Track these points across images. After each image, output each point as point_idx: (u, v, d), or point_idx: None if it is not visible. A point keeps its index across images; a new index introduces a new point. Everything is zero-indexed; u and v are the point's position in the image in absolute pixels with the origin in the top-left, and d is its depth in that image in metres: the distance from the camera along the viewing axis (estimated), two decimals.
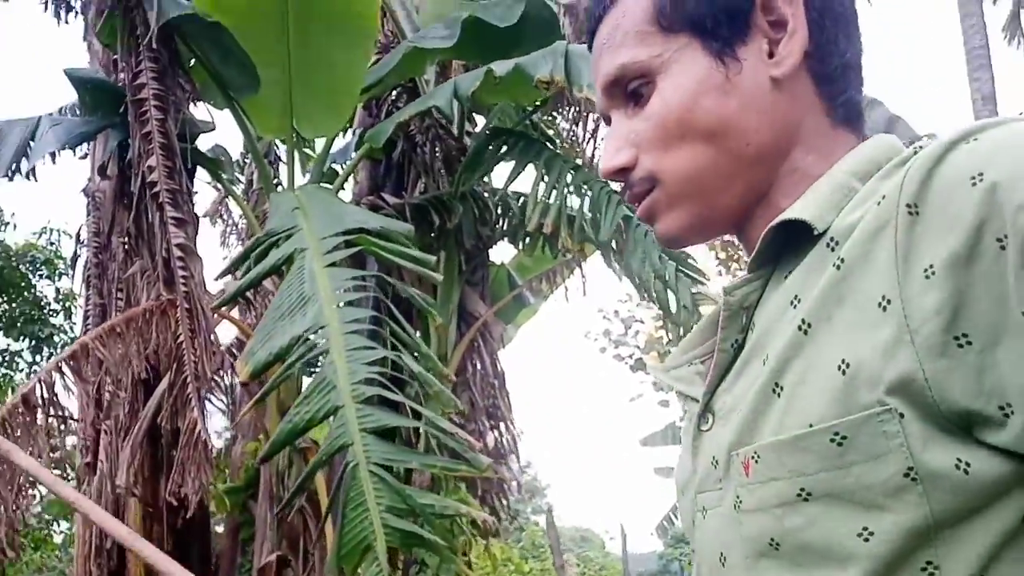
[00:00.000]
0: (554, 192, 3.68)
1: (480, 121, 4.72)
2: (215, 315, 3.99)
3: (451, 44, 3.59)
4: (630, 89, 0.63)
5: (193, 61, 3.85)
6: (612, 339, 10.85)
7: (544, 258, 5.03)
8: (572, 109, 4.01)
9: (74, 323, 8.20)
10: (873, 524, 0.49)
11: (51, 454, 3.51)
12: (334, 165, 5.09)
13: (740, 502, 0.56)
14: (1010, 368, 0.46)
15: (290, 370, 2.58)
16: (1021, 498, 0.47)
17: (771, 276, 0.59)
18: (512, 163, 3.93)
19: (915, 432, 0.48)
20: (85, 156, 5.05)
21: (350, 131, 4.81)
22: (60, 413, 3.55)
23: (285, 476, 3.77)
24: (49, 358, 8.07)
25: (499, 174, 4.58)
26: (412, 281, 3.46)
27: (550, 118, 4.59)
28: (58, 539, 7.93)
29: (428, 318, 3.48)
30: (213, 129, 4.09)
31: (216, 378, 4.39)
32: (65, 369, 3.56)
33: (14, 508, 3.11)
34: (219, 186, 5.22)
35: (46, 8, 6.12)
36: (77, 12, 6.16)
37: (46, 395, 3.43)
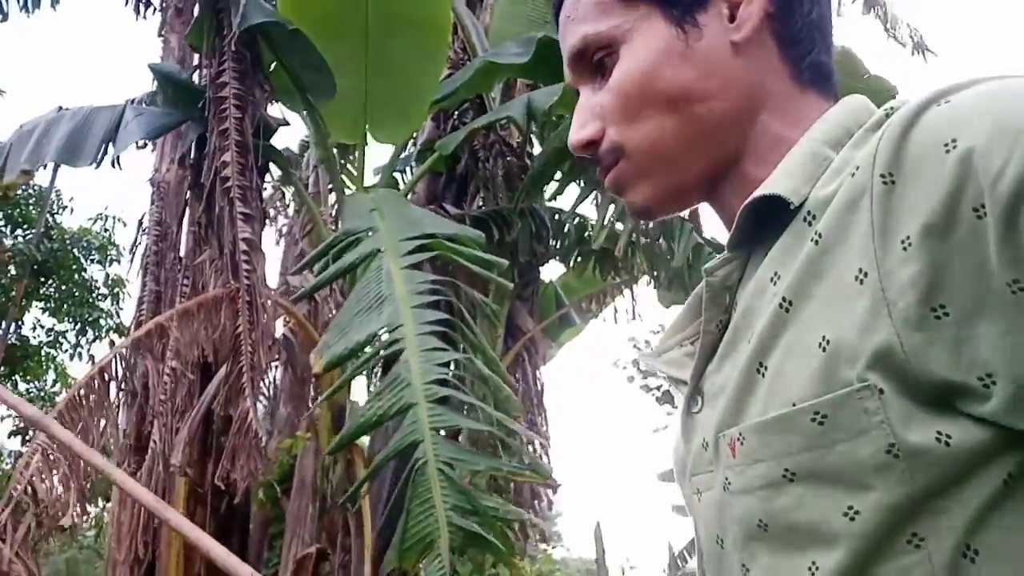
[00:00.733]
0: (624, 216, 3.76)
1: (538, 146, 4.82)
2: (277, 308, 4.12)
3: (524, 62, 3.70)
4: (594, 61, 0.63)
5: (274, 64, 4.00)
6: (641, 369, 10.84)
7: (590, 280, 5.10)
8: None
9: (121, 308, 8.41)
10: (858, 502, 0.48)
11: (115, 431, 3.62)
12: (393, 173, 5.22)
13: (729, 484, 0.55)
14: (992, 339, 0.45)
15: (365, 365, 2.67)
16: (1002, 465, 0.47)
17: (751, 254, 0.59)
18: (577, 184, 4.01)
19: (895, 408, 0.47)
20: (144, 146, 5.25)
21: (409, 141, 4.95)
22: (132, 387, 3.67)
23: (330, 471, 3.85)
24: (94, 341, 8.28)
25: (552, 193, 4.67)
26: (477, 289, 3.54)
27: None
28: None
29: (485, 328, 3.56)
30: (287, 124, 4.24)
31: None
32: (138, 347, 3.68)
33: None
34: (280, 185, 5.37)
35: (127, 2, 6.39)
36: (156, 9, 6.42)
37: (120, 371, 3.56)
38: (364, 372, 3.45)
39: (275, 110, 4.55)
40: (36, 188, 8.55)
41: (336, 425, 3.84)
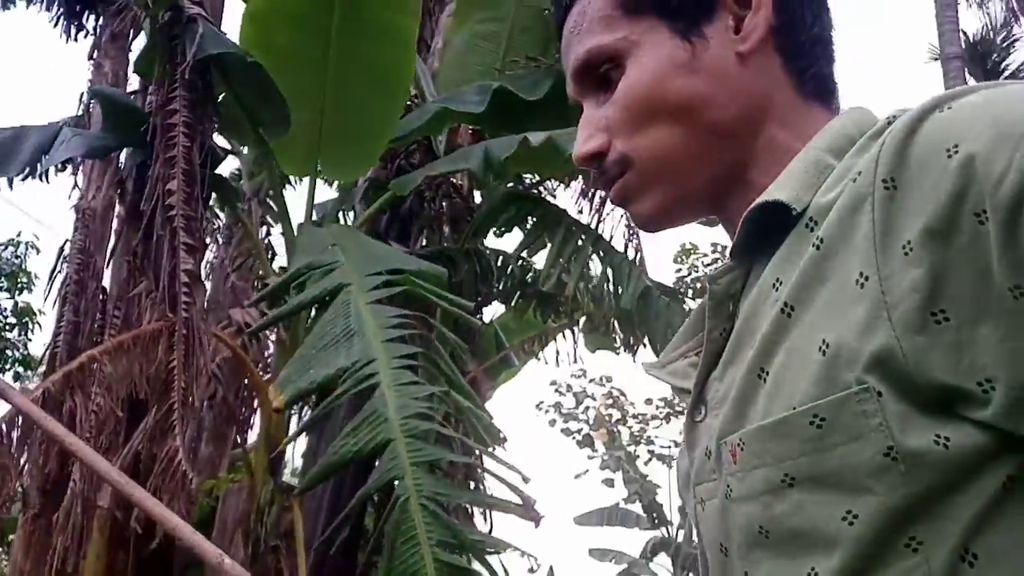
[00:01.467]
0: (574, 259, 3.85)
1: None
2: (214, 339, 3.99)
3: (480, 111, 3.79)
4: (599, 74, 0.63)
5: (224, 95, 3.96)
6: (563, 412, 10.94)
7: (528, 322, 5.17)
8: (584, 181, 4.23)
9: (30, 339, 7.92)
10: (856, 506, 0.48)
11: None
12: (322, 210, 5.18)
13: (730, 491, 0.55)
14: (993, 344, 0.45)
15: (338, 400, 2.62)
16: (1001, 468, 0.47)
17: (754, 262, 0.59)
18: (525, 227, 4.10)
19: (893, 411, 0.47)
20: (63, 169, 5.05)
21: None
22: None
23: (266, 512, 3.72)
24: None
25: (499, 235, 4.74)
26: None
27: (561, 186, 4.81)
28: None
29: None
30: (235, 153, 4.18)
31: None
32: (68, 381, 3.50)
33: None
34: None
35: (56, 24, 6.19)
36: (88, 32, 6.24)
37: (45, 407, 3.37)
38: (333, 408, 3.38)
39: (219, 140, 4.48)
40: None
41: (273, 465, 3.73)
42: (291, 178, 4.65)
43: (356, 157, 3.89)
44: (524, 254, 4.54)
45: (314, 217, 4.40)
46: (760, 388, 0.54)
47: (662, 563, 11.19)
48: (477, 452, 2.57)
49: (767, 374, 0.53)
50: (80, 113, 6.16)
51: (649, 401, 11.11)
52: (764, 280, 0.56)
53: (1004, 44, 10.39)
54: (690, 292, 11.47)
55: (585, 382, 11.12)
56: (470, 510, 4.07)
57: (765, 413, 0.53)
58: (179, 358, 3.71)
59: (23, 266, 8.01)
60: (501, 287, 4.63)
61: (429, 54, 5.06)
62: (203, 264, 6.27)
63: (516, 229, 4.56)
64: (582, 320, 4.56)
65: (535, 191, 4.53)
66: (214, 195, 4.23)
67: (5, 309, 7.95)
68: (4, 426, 3.15)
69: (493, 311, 4.90)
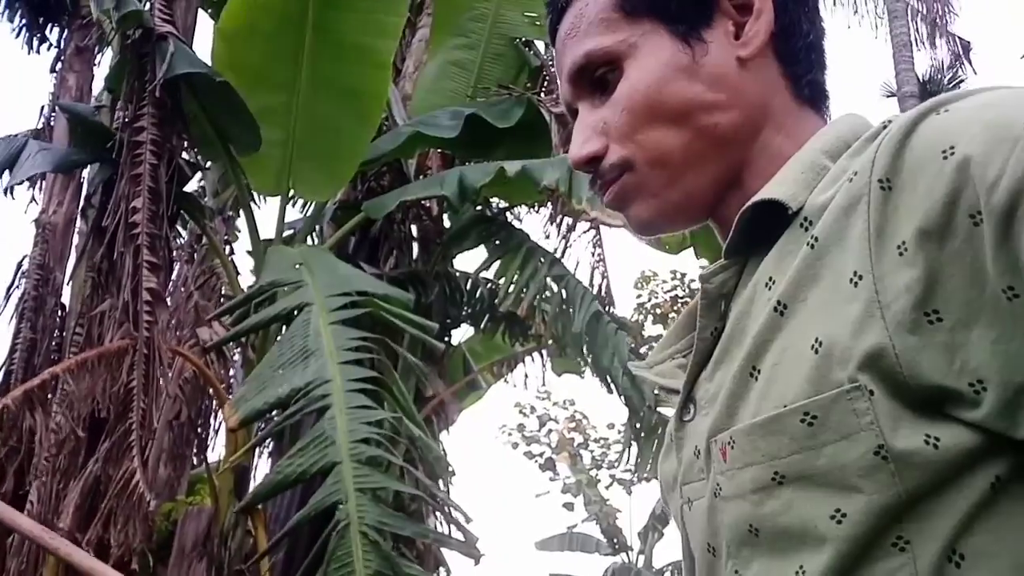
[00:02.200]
0: (531, 281, 3.90)
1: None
2: (179, 359, 3.94)
3: (453, 136, 3.84)
4: (596, 77, 0.63)
5: (194, 112, 3.94)
6: (525, 435, 10.93)
7: (495, 346, 5.19)
8: (553, 207, 4.29)
9: None
10: (845, 505, 0.48)
11: None
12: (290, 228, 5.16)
13: (720, 490, 0.55)
14: (985, 346, 0.45)
15: (289, 420, 2.61)
16: (990, 469, 0.47)
17: (748, 261, 0.59)
18: (487, 248, 4.15)
19: (885, 410, 0.47)
20: (21, 182, 4.96)
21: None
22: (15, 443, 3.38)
23: (231, 536, 3.66)
24: None
25: (467, 257, 4.78)
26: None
27: (532, 211, 4.86)
28: None
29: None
30: (205, 169, 4.16)
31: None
32: (28, 399, 3.41)
33: None
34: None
35: (18, 35, 6.09)
36: (51, 45, 6.16)
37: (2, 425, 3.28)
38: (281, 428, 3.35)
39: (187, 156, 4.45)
40: None
41: (239, 488, 3.67)
42: (256, 197, 4.64)
43: (328, 177, 3.90)
44: (492, 277, 4.57)
45: (284, 236, 4.38)
46: (752, 386, 0.53)
47: None
48: (426, 484, 2.56)
49: (759, 372, 0.53)
50: (40, 126, 6.07)
51: (611, 425, 11.18)
52: (757, 279, 0.56)
53: (951, 85, 10.86)
54: (650, 318, 11.62)
55: (549, 404, 11.15)
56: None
57: (756, 411, 0.52)
58: (139, 377, 3.65)
59: None
60: (470, 310, 4.65)
61: (400, 78, 5.10)
62: (168, 282, 6.20)
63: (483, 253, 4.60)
64: (549, 343, 4.60)
65: (503, 215, 4.57)
66: (181, 212, 4.19)
67: None
68: None
69: (461, 334, 4.90)
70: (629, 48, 0.61)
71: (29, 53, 6.05)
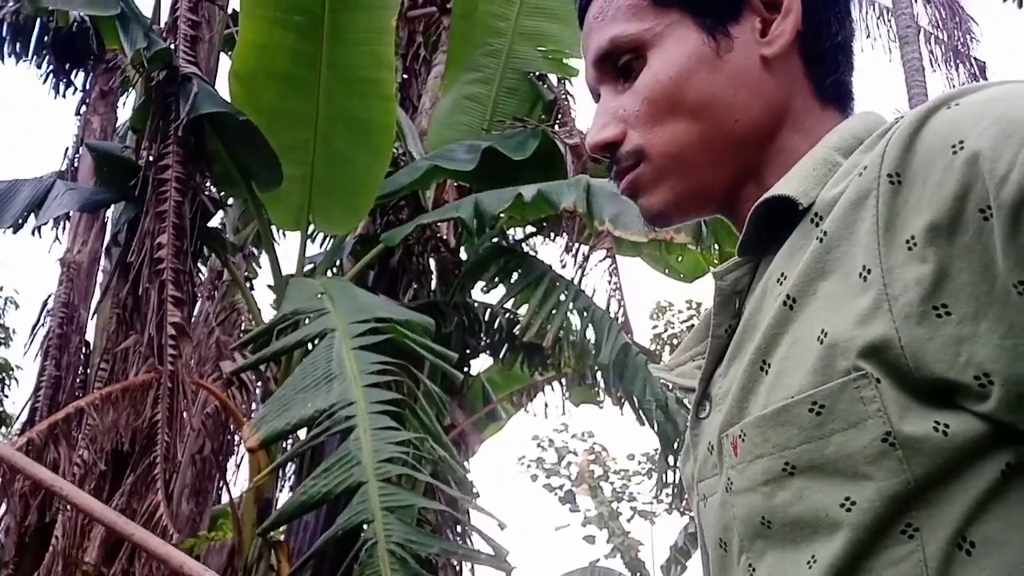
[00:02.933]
0: (555, 312, 3.92)
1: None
2: (203, 393, 3.98)
3: (470, 168, 3.90)
4: (620, 63, 0.63)
5: (217, 149, 4.04)
6: (544, 467, 10.86)
7: (514, 376, 5.20)
8: (568, 237, 4.32)
9: (6, 395, 7.79)
10: (855, 493, 0.48)
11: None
12: (310, 263, 5.23)
13: (731, 484, 0.55)
14: (994, 340, 0.45)
15: (315, 441, 2.62)
16: (1000, 456, 0.46)
17: (762, 258, 0.58)
18: (511, 279, 4.17)
19: (892, 398, 0.47)
20: (46, 223, 5.07)
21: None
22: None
23: (254, 570, 3.66)
24: None
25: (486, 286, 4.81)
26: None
27: (548, 240, 4.89)
28: None
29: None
30: (228, 206, 4.24)
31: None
32: (53, 433, 3.46)
33: None
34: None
35: (45, 80, 6.28)
36: (76, 89, 6.34)
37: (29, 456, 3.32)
38: (302, 452, 3.36)
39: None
40: None
41: (262, 520, 3.68)
42: (277, 232, 4.72)
43: (347, 211, 3.97)
44: (510, 306, 4.59)
45: (304, 270, 4.44)
46: (762, 380, 0.53)
47: None
48: (454, 500, 2.56)
49: (769, 366, 0.53)
50: (64, 168, 6.23)
51: (631, 456, 11.07)
52: (769, 275, 0.56)
53: None
54: (667, 349, 11.57)
55: (567, 437, 11.09)
56: (458, 565, 4.03)
57: (766, 403, 0.52)
58: (163, 411, 3.70)
59: (1, 321, 7.93)
60: (489, 340, 4.67)
61: (417, 114, 5.19)
62: (191, 317, 6.30)
63: (501, 284, 4.63)
64: (568, 372, 4.60)
65: (520, 246, 4.62)
66: (203, 248, 4.27)
67: None
68: None
69: (480, 364, 4.92)
70: (655, 37, 0.61)
71: (56, 97, 6.25)
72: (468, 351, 4.48)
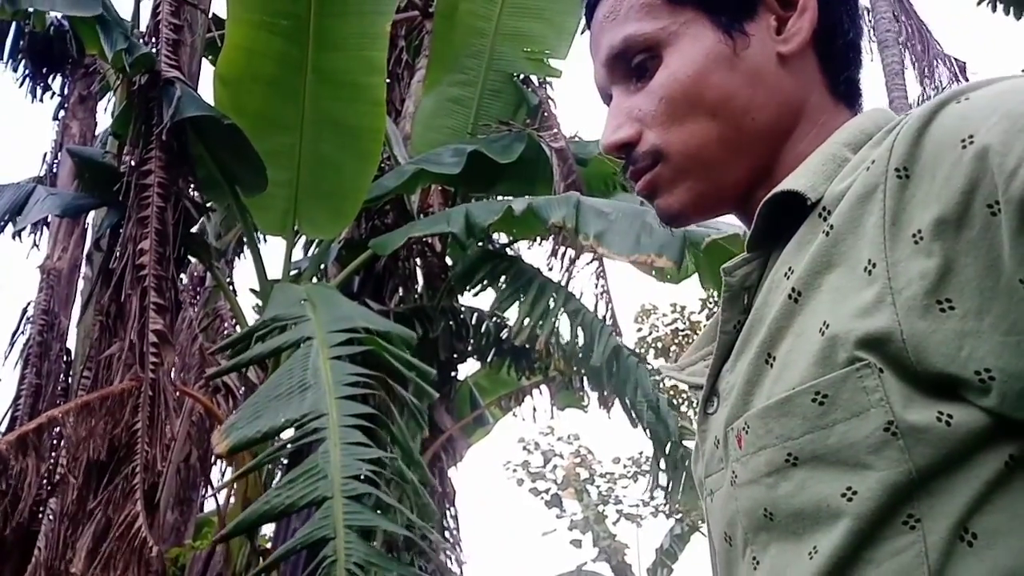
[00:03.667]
0: (545, 316, 3.91)
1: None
2: (188, 401, 3.93)
3: (456, 172, 3.89)
4: (634, 63, 0.62)
5: (201, 154, 3.99)
6: (530, 471, 10.85)
7: (501, 380, 5.18)
8: (555, 241, 4.32)
9: None
10: (856, 483, 0.48)
11: None
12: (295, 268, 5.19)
13: (735, 477, 0.54)
14: (997, 336, 0.45)
15: (282, 451, 2.58)
16: (1004, 447, 0.46)
17: (770, 254, 0.58)
18: (499, 284, 4.17)
19: (894, 388, 0.47)
20: (22, 230, 5.00)
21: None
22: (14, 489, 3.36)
23: None
24: None
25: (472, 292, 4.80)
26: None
27: (534, 243, 4.89)
28: None
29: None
30: (213, 210, 4.20)
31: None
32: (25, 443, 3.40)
33: None
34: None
35: (22, 84, 6.20)
36: (54, 93, 6.26)
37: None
38: (274, 460, 3.33)
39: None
40: None
41: (250, 529, 3.63)
42: (261, 237, 4.69)
43: (333, 215, 3.94)
44: (498, 311, 4.59)
45: (290, 275, 4.41)
46: (766, 373, 0.54)
47: None
48: (419, 524, 2.53)
49: (774, 359, 0.53)
50: (43, 173, 6.15)
51: (617, 460, 11.09)
52: (777, 269, 0.56)
53: None
54: (652, 352, 11.60)
55: (553, 440, 11.09)
56: None
57: (769, 395, 0.52)
58: (143, 419, 3.65)
59: None
60: (476, 344, 4.66)
61: (400, 118, 5.17)
62: (174, 324, 6.22)
63: (491, 289, 4.62)
64: (554, 377, 4.60)
65: (507, 250, 4.61)
66: (187, 255, 4.22)
67: None
68: None
69: (467, 369, 4.90)
70: (670, 36, 0.61)
71: (33, 101, 6.16)
72: (455, 356, 4.47)
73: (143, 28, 4.43)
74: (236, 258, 5.90)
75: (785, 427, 0.51)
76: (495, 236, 4.81)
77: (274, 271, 4.23)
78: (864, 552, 0.48)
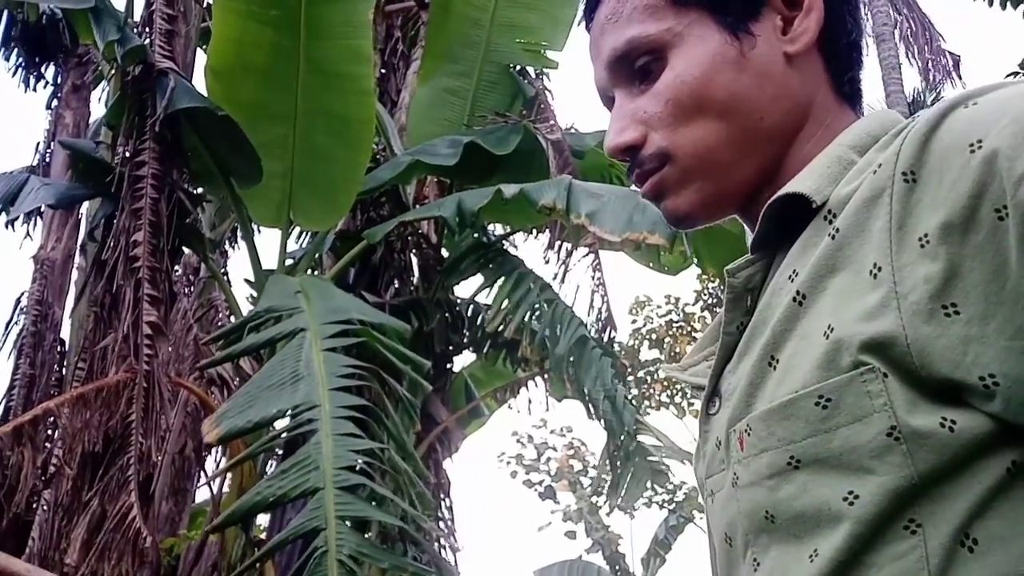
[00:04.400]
0: (520, 305, 3.92)
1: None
2: (179, 391, 3.93)
3: (452, 163, 3.88)
4: (638, 65, 0.62)
5: (195, 146, 3.98)
6: (524, 464, 10.87)
7: (496, 372, 5.19)
8: (551, 233, 4.32)
9: None
10: (858, 487, 0.48)
11: None
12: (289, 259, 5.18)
13: (737, 479, 0.54)
14: (1003, 341, 0.45)
15: (274, 441, 2.57)
16: (1007, 453, 0.46)
17: (776, 256, 0.58)
18: (485, 274, 4.19)
19: (898, 392, 0.47)
20: (13, 220, 4.98)
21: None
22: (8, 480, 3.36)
23: (237, 569, 3.62)
24: None
25: (470, 284, 4.81)
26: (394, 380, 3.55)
27: (530, 236, 4.89)
28: None
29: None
30: (208, 201, 4.19)
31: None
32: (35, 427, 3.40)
33: None
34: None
35: (14, 74, 6.15)
36: (47, 82, 6.22)
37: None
38: (267, 451, 3.33)
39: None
40: None
41: (245, 520, 3.64)
42: (255, 228, 4.68)
43: (327, 207, 3.94)
44: (476, 299, 4.61)
45: (285, 266, 4.40)
46: (769, 375, 0.53)
47: None
48: (413, 515, 2.53)
49: (777, 362, 0.53)
50: (35, 163, 6.11)
51: None
52: (781, 272, 0.56)
53: (934, 102, 11.00)
54: (646, 343, 11.62)
55: (546, 433, 11.11)
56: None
57: (772, 398, 0.52)
58: (137, 411, 3.64)
59: None
60: (472, 336, 4.66)
61: (396, 109, 5.15)
62: (169, 315, 6.21)
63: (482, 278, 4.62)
64: (545, 367, 4.60)
65: (500, 243, 4.61)
66: (181, 246, 4.21)
67: None
68: None
69: (462, 360, 4.91)
70: (675, 38, 0.61)
71: (26, 91, 6.12)
72: (451, 347, 4.47)
73: (136, 18, 4.41)
74: (231, 248, 5.89)
75: (787, 430, 0.51)
76: (491, 228, 4.82)
77: (270, 261, 4.23)
78: (865, 556, 0.48)
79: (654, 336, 11.58)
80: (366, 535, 3.66)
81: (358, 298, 4.25)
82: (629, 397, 4.36)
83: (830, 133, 0.60)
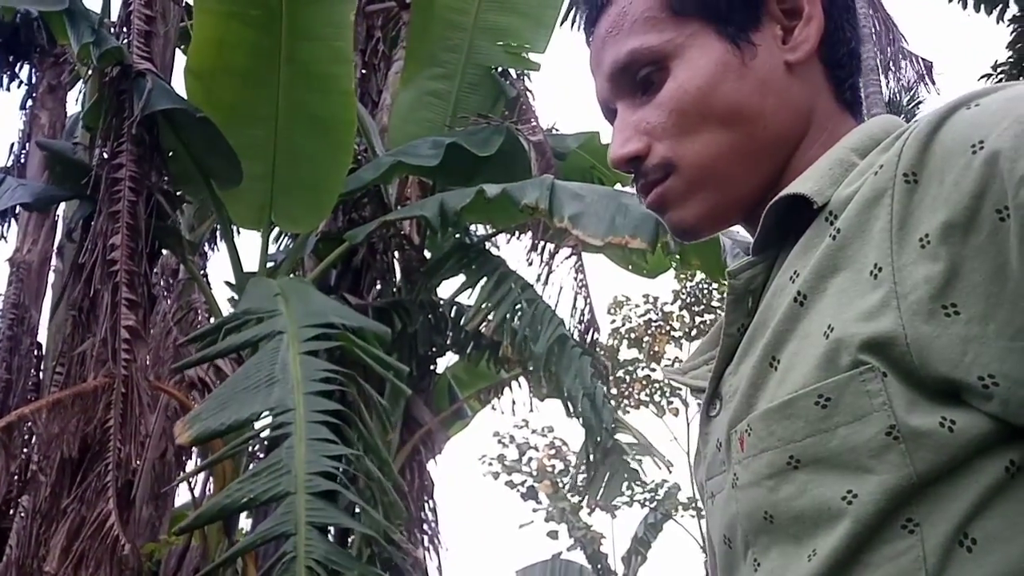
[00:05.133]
0: (501, 304, 3.92)
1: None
2: (159, 395, 3.89)
3: (434, 164, 3.87)
4: (640, 77, 0.62)
5: (175, 148, 3.94)
6: (505, 464, 10.88)
7: (479, 374, 5.18)
8: (534, 234, 4.32)
9: None
10: (857, 486, 0.48)
11: None
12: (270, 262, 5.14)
13: (737, 480, 0.54)
14: (1002, 342, 0.45)
15: (245, 444, 2.54)
16: (1006, 453, 0.46)
17: (777, 258, 0.58)
18: (467, 274, 4.19)
19: (898, 392, 0.47)
20: None
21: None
22: None
23: (220, 573, 3.59)
24: None
25: (453, 285, 4.81)
26: (374, 384, 3.53)
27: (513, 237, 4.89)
28: None
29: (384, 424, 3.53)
30: (188, 202, 4.15)
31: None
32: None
33: None
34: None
35: None
36: (21, 82, 6.12)
37: None
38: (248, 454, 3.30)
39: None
40: None
41: (228, 523, 3.61)
42: (236, 230, 4.63)
43: (309, 208, 3.91)
44: (456, 299, 4.61)
45: (267, 268, 4.37)
46: (770, 375, 0.54)
47: None
48: (383, 525, 2.52)
49: (778, 362, 0.53)
50: (10, 164, 6.02)
51: None
52: (783, 273, 0.56)
53: (910, 106, 11.19)
54: (624, 343, 11.65)
55: (528, 433, 11.12)
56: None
57: (772, 398, 0.53)
58: (116, 416, 3.60)
59: None
60: (455, 337, 4.65)
61: (377, 110, 5.14)
62: (149, 319, 6.14)
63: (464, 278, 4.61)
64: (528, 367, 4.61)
65: (482, 243, 4.61)
66: (160, 248, 4.17)
67: None
68: None
69: (446, 362, 4.89)
70: (676, 48, 0.61)
71: None
72: (434, 349, 4.46)
73: (114, 18, 4.35)
74: (211, 250, 5.83)
75: (787, 430, 0.51)
76: (473, 229, 4.81)
77: (251, 263, 4.19)
78: (862, 555, 0.48)
79: (633, 335, 11.64)
80: (349, 540, 3.66)
81: (340, 300, 4.23)
82: (608, 396, 4.38)
83: (832, 140, 0.60)
